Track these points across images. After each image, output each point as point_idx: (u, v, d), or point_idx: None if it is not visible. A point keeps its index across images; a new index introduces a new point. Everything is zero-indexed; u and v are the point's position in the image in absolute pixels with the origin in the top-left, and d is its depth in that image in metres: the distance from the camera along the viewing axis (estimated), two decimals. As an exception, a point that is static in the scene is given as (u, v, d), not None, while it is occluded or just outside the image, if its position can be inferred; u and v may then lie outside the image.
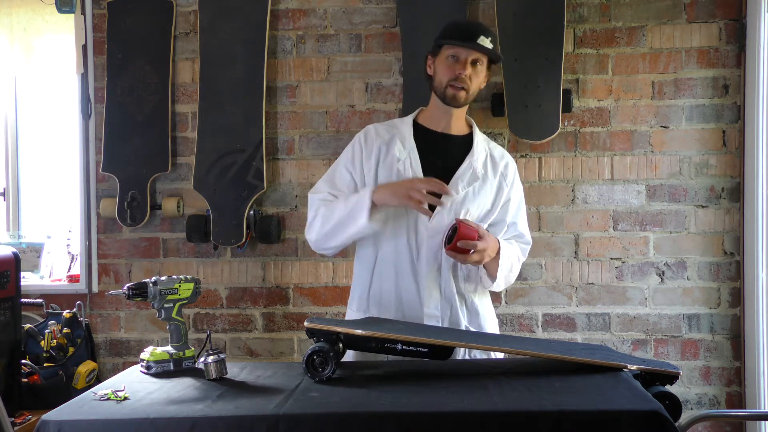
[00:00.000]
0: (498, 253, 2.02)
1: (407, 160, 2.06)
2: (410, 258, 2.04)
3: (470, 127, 2.17)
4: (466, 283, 2.08)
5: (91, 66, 3.16)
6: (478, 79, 2.05)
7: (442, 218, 2.03)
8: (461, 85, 2.02)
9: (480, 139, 2.14)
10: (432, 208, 2.00)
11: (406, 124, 2.13)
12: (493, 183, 2.11)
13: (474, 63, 2.02)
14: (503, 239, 2.11)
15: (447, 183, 2.02)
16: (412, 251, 2.04)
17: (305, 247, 3.10)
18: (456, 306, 2.05)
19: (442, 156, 2.09)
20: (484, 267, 2.05)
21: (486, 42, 2.02)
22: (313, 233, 2.10)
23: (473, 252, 1.94)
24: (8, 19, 3.16)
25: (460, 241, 1.93)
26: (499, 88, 2.97)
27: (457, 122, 2.12)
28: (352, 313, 2.16)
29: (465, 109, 2.13)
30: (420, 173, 2.05)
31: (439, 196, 1.99)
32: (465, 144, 2.12)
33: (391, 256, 2.06)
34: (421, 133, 2.11)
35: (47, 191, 3.39)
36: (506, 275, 2.09)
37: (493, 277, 2.05)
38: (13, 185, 3.34)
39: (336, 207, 2.04)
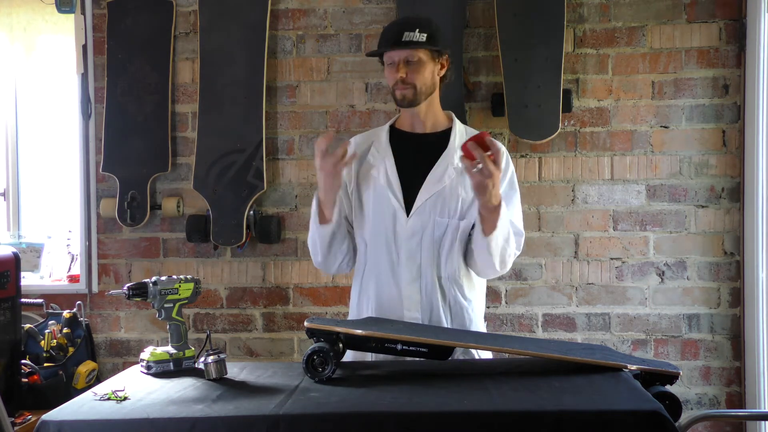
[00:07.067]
0: (500, 204, 1.89)
1: (382, 164, 2.07)
2: (390, 261, 2.03)
3: (451, 120, 2.13)
4: (452, 281, 2.03)
5: (91, 66, 3.16)
6: (421, 74, 2.00)
7: (419, 218, 2.01)
8: (403, 86, 2.01)
9: (459, 133, 2.10)
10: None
11: (383, 131, 2.14)
12: None
13: (408, 62, 2.00)
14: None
15: (423, 183, 2.02)
16: (392, 254, 2.03)
17: (305, 247, 3.08)
18: (437, 308, 2.01)
19: (418, 156, 2.07)
20: (482, 221, 1.92)
21: (413, 35, 1.98)
22: (314, 260, 2.17)
23: (482, 167, 1.78)
24: (8, 19, 3.16)
25: (470, 143, 1.78)
26: (499, 88, 2.97)
27: (430, 119, 2.10)
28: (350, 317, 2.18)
29: (433, 104, 2.08)
30: (395, 176, 2.04)
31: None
32: (443, 140, 2.09)
33: (374, 261, 2.06)
34: (396, 137, 2.12)
35: (47, 191, 3.39)
36: (502, 244, 1.95)
37: (493, 228, 1.88)
38: (13, 185, 3.34)
39: (310, 227, 2.11)
